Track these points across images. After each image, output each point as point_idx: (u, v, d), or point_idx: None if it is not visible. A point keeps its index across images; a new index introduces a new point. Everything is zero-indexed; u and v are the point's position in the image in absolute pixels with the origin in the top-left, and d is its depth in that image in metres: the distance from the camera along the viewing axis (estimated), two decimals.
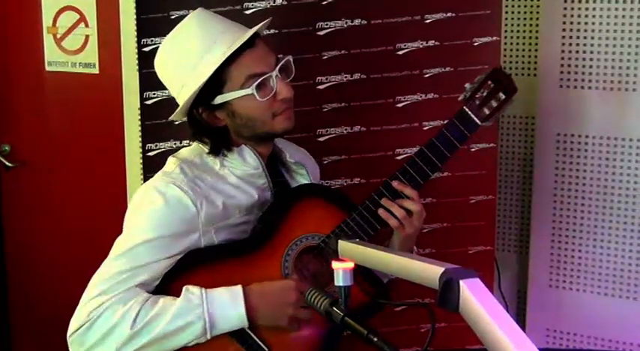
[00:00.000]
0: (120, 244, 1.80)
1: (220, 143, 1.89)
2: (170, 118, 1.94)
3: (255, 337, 1.82)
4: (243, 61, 1.81)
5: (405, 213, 1.90)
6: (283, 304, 1.80)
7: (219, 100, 1.84)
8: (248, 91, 1.81)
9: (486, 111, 1.91)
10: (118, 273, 1.75)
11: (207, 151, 1.90)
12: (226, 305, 1.76)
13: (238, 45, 1.79)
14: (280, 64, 1.84)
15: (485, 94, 1.91)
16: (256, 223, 1.91)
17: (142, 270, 1.77)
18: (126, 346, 1.72)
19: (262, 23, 1.87)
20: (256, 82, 1.81)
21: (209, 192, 1.84)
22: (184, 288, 1.77)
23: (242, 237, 1.89)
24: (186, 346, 1.76)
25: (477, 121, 1.91)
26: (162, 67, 1.91)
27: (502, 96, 1.92)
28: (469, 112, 1.91)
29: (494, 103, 1.91)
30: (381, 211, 1.90)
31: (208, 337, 1.75)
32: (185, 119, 1.93)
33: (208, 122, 1.87)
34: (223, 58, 1.79)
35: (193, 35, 1.84)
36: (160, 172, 1.89)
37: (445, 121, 1.92)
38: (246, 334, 1.81)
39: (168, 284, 1.80)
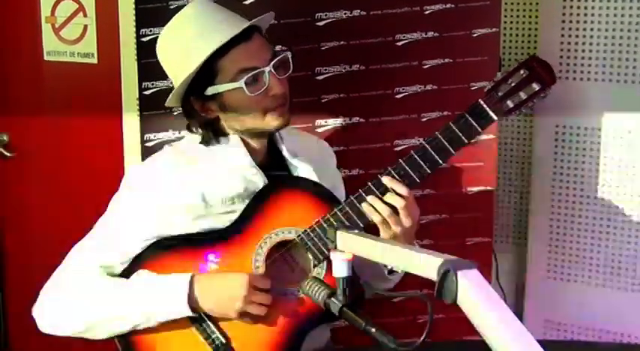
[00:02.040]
0: (98, 224, 1.87)
1: (210, 134, 1.89)
2: (166, 104, 1.93)
3: (214, 327, 1.82)
4: (235, 54, 1.80)
5: (389, 210, 1.80)
6: (230, 298, 1.78)
7: (210, 91, 1.83)
8: (237, 84, 1.80)
9: (510, 103, 1.74)
10: (85, 252, 1.84)
11: (199, 141, 1.91)
12: (169, 294, 1.78)
13: (229, 37, 1.78)
14: (275, 60, 1.82)
15: (514, 84, 1.73)
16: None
17: (109, 251, 1.83)
18: (77, 324, 1.81)
19: (260, 17, 1.85)
20: (246, 77, 1.79)
21: (189, 181, 1.85)
22: (136, 273, 1.81)
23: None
24: (146, 333, 1.81)
25: (493, 115, 1.74)
26: (160, 53, 1.91)
27: (535, 87, 1.73)
28: (484, 106, 1.74)
29: (522, 95, 1.73)
30: (364, 205, 1.81)
31: (153, 321, 1.78)
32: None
33: (200, 112, 1.87)
34: (210, 50, 1.78)
35: (189, 23, 1.84)
36: (149, 157, 1.94)
37: (445, 113, 1.89)
38: (205, 323, 1.82)
39: (135, 267, 1.83)
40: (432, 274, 1.17)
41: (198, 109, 1.86)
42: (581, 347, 2.27)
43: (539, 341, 1.00)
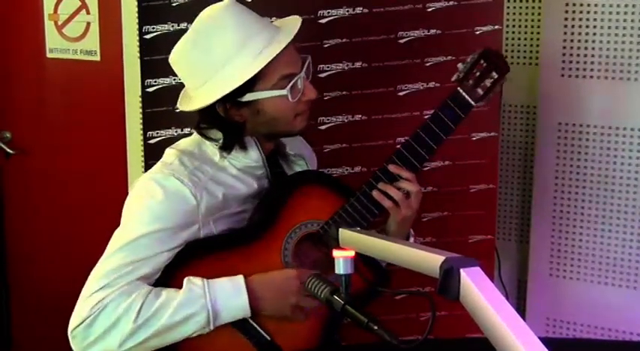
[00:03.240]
0: (120, 237, 1.79)
1: (234, 139, 1.87)
2: (184, 110, 1.90)
3: (257, 326, 1.82)
4: (278, 61, 1.79)
5: (402, 194, 1.89)
6: (285, 294, 1.80)
7: (248, 97, 1.82)
8: (282, 92, 1.81)
9: (480, 91, 1.91)
10: (119, 266, 1.74)
11: (213, 144, 1.88)
12: (229, 296, 1.76)
13: (279, 50, 1.78)
14: (306, 65, 1.85)
15: (478, 74, 1.91)
16: (254, 211, 1.91)
17: (143, 263, 1.76)
18: (129, 340, 1.72)
19: (297, 26, 1.86)
20: (290, 84, 1.81)
21: (209, 183, 1.83)
22: (186, 279, 1.77)
23: (240, 226, 1.89)
24: (188, 338, 1.77)
25: (471, 101, 1.91)
26: (183, 56, 1.86)
27: (495, 75, 1.92)
28: (463, 93, 1.91)
29: (487, 83, 1.92)
30: (375, 193, 1.89)
31: (212, 327, 1.76)
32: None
33: (228, 117, 1.86)
34: (264, 63, 1.76)
35: (227, 30, 1.81)
36: (159, 164, 1.88)
37: None
38: (247, 323, 1.81)
39: (169, 276, 1.80)
40: (435, 272, 1.17)
41: (233, 114, 1.85)
42: (584, 345, 2.26)
43: (541, 339, 1.00)
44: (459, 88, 1.91)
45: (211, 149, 1.89)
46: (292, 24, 1.87)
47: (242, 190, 1.88)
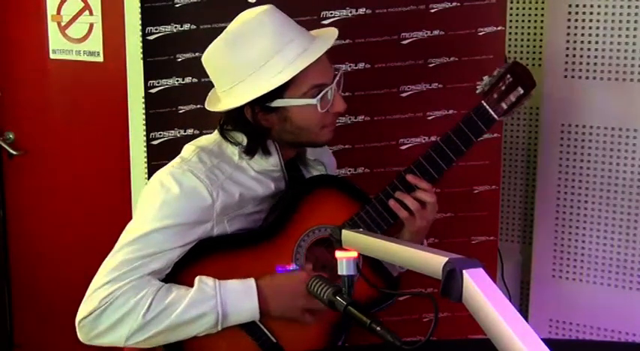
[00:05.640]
0: (132, 230, 1.78)
1: (258, 144, 1.86)
2: (209, 108, 1.90)
3: (264, 329, 1.82)
4: (310, 70, 1.78)
5: (419, 205, 1.89)
6: (295, 297, 1.79)
7: (277, 103, 1.81)
8: (312, 101, 1.80)
9: (504, 105, 1.90)
10: (130, 260, 1.73)
11: (236, 147, 1.87)
12: (240, 298, 1.76)
13: (312, 59, 1.77)
14: (338, 77, 1.85)
15: (503, 88, 1.89)
16: (268, 212, 1.90)
17: (155, 258, 1.75)
18: (136, 334, 1.72)
19: (334, 38, 1.86)
20: (321, 94, 1.80)
21: (226, 182, 1.82)
22: (197, 278, 1.77)
23: (254, 226, 1.89)
24: (195, 337, 1.77)
25: (495, 116, 1.89)
26: (215, 57, 1.85)
27: (520, 90, 1.90)
28: (487, 107, 1.89)
29: (512, 98, 1.89)
30: (391, 203, 1.89)
31: (219, 328, 1.75)
32: (193, 107, 1.91)
33: (255, 121, 1.85)
34: (298, 70, 1.76)
35: (263, 35, 1.79)
36: (177, 159, 1.87)
37: (450, 112, 1.92)
38: (255, 325, 1.81)
39: (179, 273, 1.79)
40: (437, 273, 1.17)
41: (260, 118, 1.84)
42: (587, 346, 2.26)
43: (544, 340, 1.00)
44: (483, 102, 1.89)
45: (231, 149, 1.88)
46: (328, 35, 1.87)
47: (259, 190, 1.87)
